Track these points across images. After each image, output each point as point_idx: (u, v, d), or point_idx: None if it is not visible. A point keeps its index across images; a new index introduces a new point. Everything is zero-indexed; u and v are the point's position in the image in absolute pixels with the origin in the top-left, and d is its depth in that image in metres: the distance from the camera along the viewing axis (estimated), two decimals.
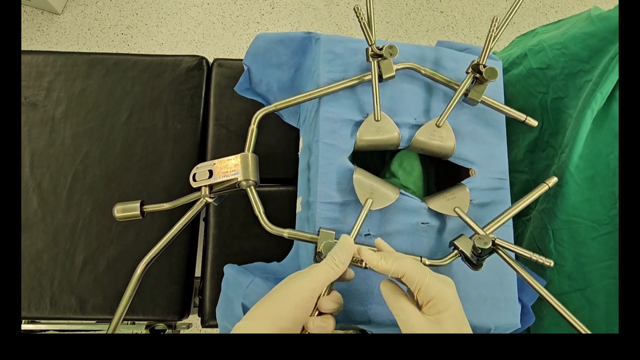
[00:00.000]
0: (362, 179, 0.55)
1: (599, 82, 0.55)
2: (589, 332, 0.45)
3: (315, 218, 0.54)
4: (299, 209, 0.64)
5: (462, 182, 0.59)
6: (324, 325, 0.41)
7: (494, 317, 0.55)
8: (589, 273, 0.58)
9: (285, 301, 0.40)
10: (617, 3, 0.52)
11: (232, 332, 0.39)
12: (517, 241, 0.71)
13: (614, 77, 0.53)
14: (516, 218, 0.72)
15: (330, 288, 0.44)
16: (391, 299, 0.42)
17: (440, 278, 0.42)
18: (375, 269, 0.43)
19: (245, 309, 0.55)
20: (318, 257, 0.49)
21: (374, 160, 0.75)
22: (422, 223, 0.56)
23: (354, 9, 0.56)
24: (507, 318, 0.56)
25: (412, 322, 0.40)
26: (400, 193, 0.55)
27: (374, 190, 0.54)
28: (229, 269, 0.61)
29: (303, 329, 0.41)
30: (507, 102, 0.61)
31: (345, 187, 0.55)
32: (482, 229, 0.51)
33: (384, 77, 0.56)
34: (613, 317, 0.56)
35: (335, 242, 0.47)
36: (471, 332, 0.42)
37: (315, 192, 0.54)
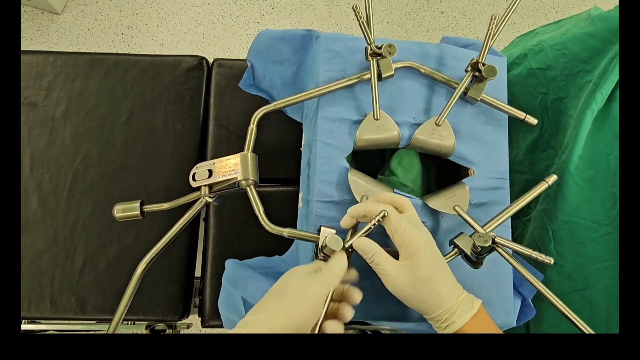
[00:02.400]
0: (356, 180, 0.55)
1: (599, 82, 0.55)
2: (587, 327, 0.45)
3: (312, 216, 0.54)
4: (300, 204, 0.64)
5: (462, 181, 0.59)
6: (338, 329, 0.44)
7: None
8: (589, 273, 0.58)
9: (303, 301, 0.41)
10: (617, 3, 0.52)
11: (243, 325, 0.39)
12: (517, 241, 0.71)
13: (614, 77, 0.53)
14: (516, 218, 0.72)
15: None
16: (367, 253, 0.46)
17: (417, 226, 0.46)
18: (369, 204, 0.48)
19: (245, 303, 0.56)
20: (320, 252, 0.49)
21: (374, 158, 0.75)
22: None
23: (353, 8, 0.56)
24: (502, 317, 0.56)
25: (386, 268, 0.44)
26: (394, 192, 0.56)
27: (368, 191, 0.54)
28: (229, 264, 0.62)
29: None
30: (507, 102, 0.61)
31: (343, 186, 0.55)
32: (482, 227, 0.51)
33: (383, 76, 0.56)
34: (613, 317, 0.56)
35: (337, 238, 0.48)
36: (451, 274, 0.46)
37: (313, 190, 0.55)
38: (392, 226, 0.45)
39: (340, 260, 0.45)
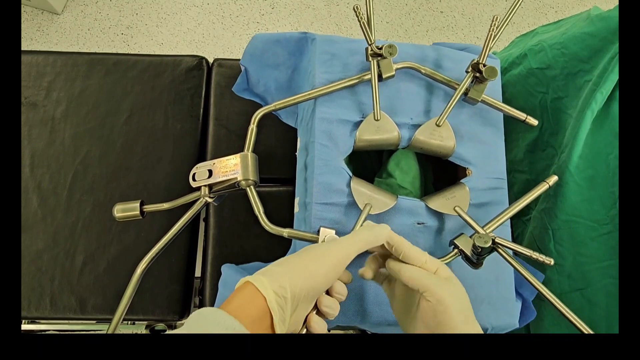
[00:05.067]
0: (359, 188, 0.55)
1: (598, 82, 0.55)
2: (587, 328, 0.45)
3: (311, 219, 0.54)
4: (296, 209, 0.64)
5: (461, 181, 0.59)
6: (322, 325, 0.42)
7: (490, 317, 0.55)
8: (588, 273, 0.58)
9: (325, 259, 0.41)
10: (617, 3, 0.52)
11: (263, 273, 0.39)
12: (517, 241, 0.71)
13: (613, 77, 0.53)
14: (516, 218, 0.72)
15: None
16: (399, 249, 0.44)
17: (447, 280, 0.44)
18: (406, 257, 0.45)
19: None
20: None
21: (371, 159, 0.75)
22: (418, 223, 0.56)
23: (354, 8, 0.56)
24: (504, 318, 0.56)
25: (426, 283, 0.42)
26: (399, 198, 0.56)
27: (371, 199, 0.54)
28: (226, 269, 0.61)
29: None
30: (507, 102, 0.61)
31: (341, 189, 0.55)
32: (482, 227, 0.51)
33: (384, 76, 0.56)
34: (613, 317, 0.56)
35: (337, 237, 0.48)
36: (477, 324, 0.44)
37: (311, 193, 0.54)
38: (436, 263, 0.45)
39: (363, 234, 0.44)
